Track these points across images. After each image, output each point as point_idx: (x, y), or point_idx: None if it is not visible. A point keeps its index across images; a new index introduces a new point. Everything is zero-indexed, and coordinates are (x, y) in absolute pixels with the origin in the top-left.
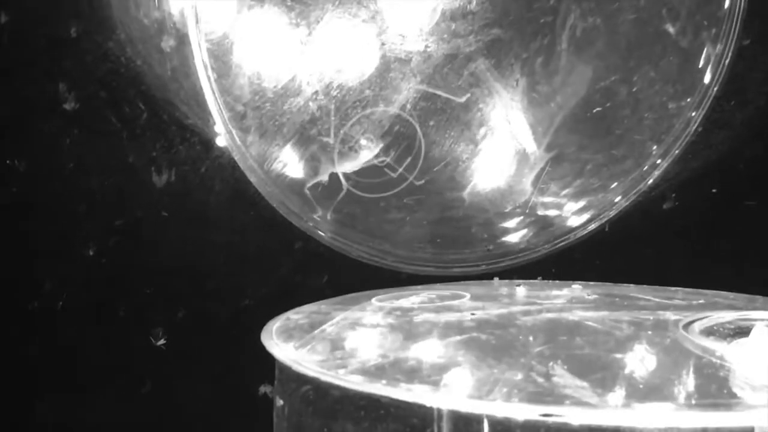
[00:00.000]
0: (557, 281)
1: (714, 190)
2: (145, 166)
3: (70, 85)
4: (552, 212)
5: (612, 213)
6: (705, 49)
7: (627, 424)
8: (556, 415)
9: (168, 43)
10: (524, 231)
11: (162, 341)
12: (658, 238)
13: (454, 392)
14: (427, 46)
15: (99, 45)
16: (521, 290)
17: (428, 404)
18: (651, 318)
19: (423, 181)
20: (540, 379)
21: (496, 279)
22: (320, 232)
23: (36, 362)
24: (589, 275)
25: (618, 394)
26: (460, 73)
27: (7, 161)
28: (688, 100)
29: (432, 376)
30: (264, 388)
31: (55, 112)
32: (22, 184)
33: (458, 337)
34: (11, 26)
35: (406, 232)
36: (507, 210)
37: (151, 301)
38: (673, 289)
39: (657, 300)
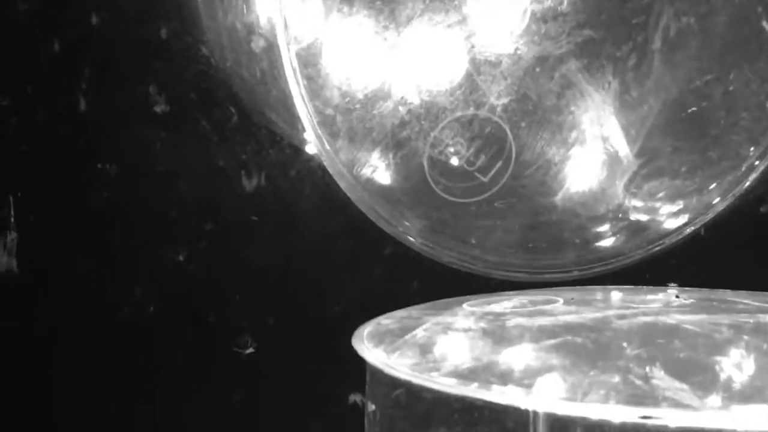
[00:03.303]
0: (652, 286)
1: None
2: (235, 170)
3: (161, 88)
4: (646, 216)
5: (708, 217)
6: None
7: (729, 426)
8: (656, 417)
9: (258, 44)
10: (617, 236)
11: (250, 350)
12: (756, 242)
13: (550, 394)
14: (517, 49)
15: (189, 46)
16: (616, 294)
17: (523, 406)
18: (751, 321)
19: (514, 186)
20: (638, 382)
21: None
22: (410, 238)
23: (126, 369)
24: (684, 280)
25: (719, 397)
26: (551, 76)
27: (98, 165)
28: None
29: (526, 379)
30: (354, 397)
31: (146, 114)
32: (112, 189)
33: (552, 341)
34: (101, 28)
35: (496, 238)
36: (600, 214)
37: (240, 307)
38: None
39: (757, 304)
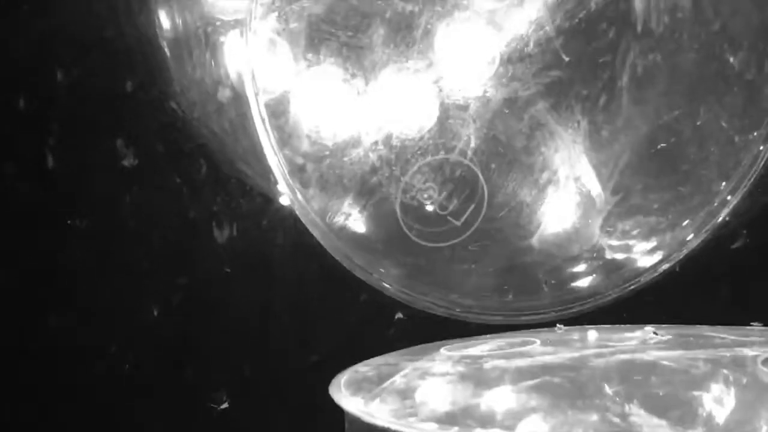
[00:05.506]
0: (629, 325)
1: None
2: (207, 222)
3: (128, 141)
4: (621, 255)
5: (682, 253)
6: None
7: None
8: None
9: (225, 94)
10: (594, 275)
11: (225, 405)
12: (730, 277)
13: None
14: (485, 91)
15: (155, 98)
16: (593, 334)
17: None
18: (728, 355)
19: (488, 228)
20: (616, 419)
21: (558, 326)
22: (386, 284)
23: (102, 426)
24: (661, 317)
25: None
26: (521, 117)
27: (68, 221)
28: (756, 133)
29: (506, 421)
30: None
31: (115, 168)
32: (83, 244)
33: (530, 382)
34: (66, 83)
35: (472, 281)
36: (575, 254)
37: (216, 359)
38: (749, 327)
39: (733, 337)
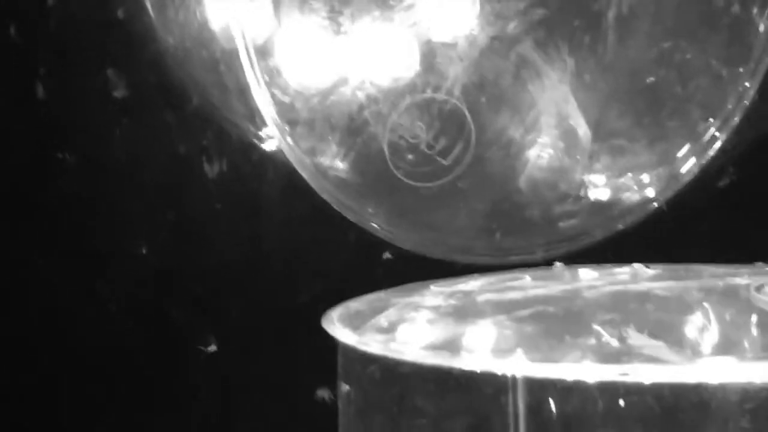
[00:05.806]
0: (618, 263)
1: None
2: (197, 156)
3: (120, 71)
4: (608, 193)
5: (670, 192)
6: (756, 17)
7: (711, 378)
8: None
9: (210, 35)
10: (581, 214)
11: (213, 347)
12: (717, 216)
13: (527, 359)
14: (472, 29)
15: (147, 28)
16: (583, 270)
17: (501, 372)
18: (721, 284)
19: (475, 167)
20: (614, 342)
21: (557, 263)
22: (374, 224)
23: (90, 366)
24: (649, 257)
25: (697, 351)
26: (507, 55)
27: (58, 155)
28: (742, 69)
29: (501, 347)
30: (322, 392)
31: (106, 100)
32: (72, 179)
33: (524, 312)
34: (58, 9)
35: (460, 221)
36: (562, 193)
37: (205, 298)
38: (737, 266)
39: (723, 270)
